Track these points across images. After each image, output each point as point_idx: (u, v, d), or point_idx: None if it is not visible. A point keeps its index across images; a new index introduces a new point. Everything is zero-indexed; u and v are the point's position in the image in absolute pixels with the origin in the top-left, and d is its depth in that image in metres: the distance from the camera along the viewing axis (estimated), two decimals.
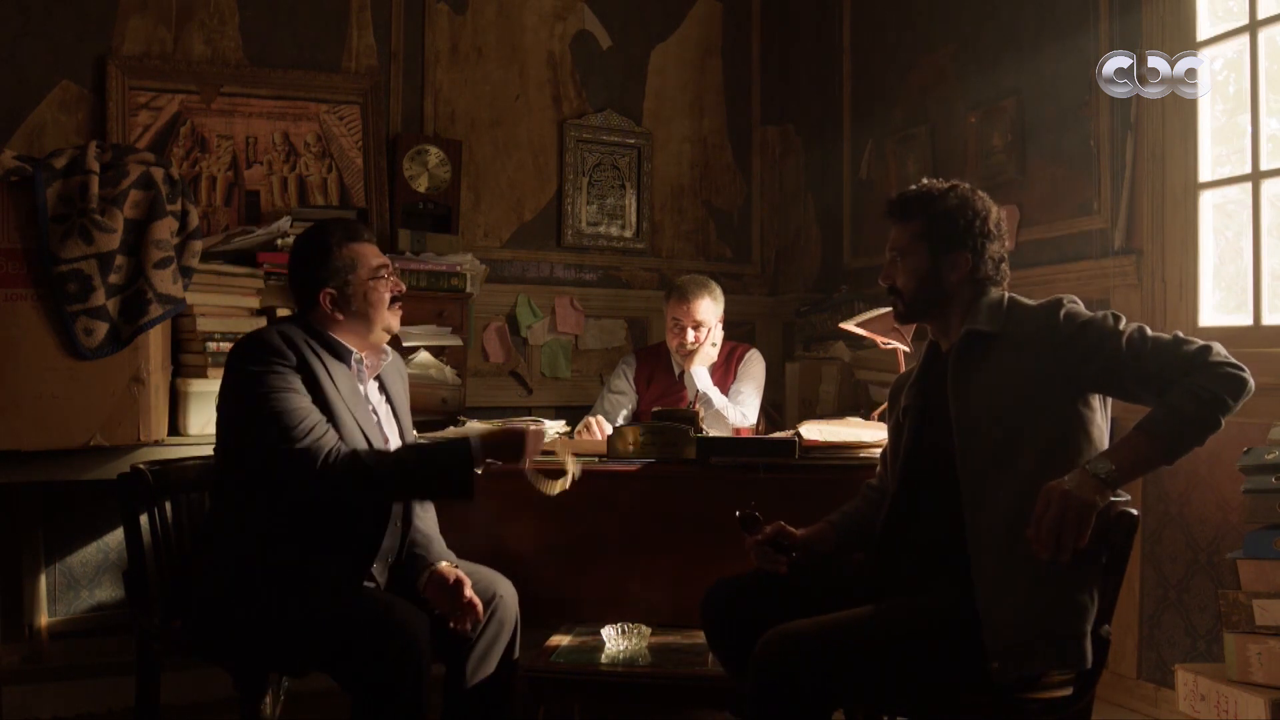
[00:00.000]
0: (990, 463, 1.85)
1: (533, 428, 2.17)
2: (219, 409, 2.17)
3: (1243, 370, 1.74)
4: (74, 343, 2.60)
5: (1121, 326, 1.82)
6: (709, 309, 3.23)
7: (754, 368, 3.34)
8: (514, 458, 2.12)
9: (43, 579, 3.12)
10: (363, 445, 2.12)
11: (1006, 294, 2.00)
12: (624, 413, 3.31)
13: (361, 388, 2.24)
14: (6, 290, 2.58)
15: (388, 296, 2.20)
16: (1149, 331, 1.81)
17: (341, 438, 2.08)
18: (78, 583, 3.16)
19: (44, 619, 3.11)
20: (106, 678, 3.01)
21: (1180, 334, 1.80)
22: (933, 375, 2.04)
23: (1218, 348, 1.75)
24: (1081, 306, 1.90)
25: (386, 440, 2.26)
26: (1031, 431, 1.84)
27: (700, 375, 3.19)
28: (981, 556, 1.82)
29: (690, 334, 3.20)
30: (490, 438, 2.12)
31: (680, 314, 3.22)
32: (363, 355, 2.24)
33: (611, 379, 3.42)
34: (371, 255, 2.20)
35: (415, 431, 2.47)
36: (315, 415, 2.05)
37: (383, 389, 2.33)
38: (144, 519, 2.23)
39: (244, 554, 2.06)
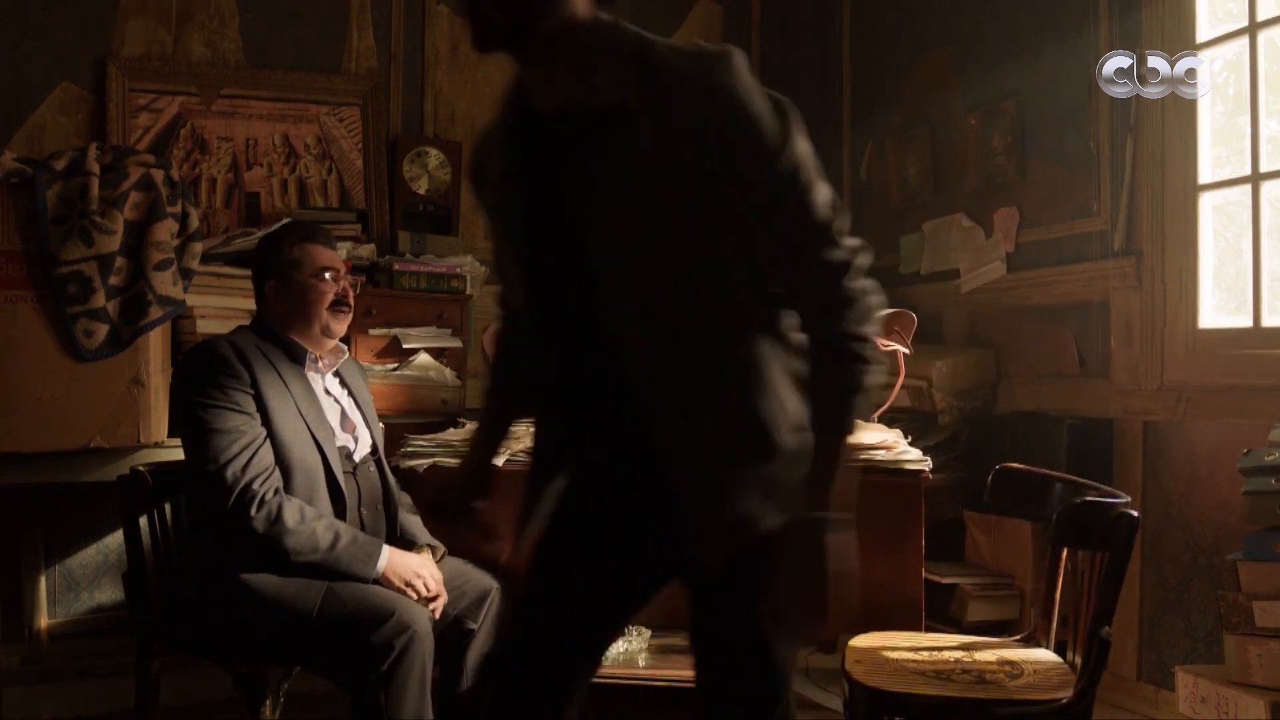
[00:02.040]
0: (642, 284, 1.31)
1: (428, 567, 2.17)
2: (178, 416, 2.21)
3: (869, 295, 1.32)
4: (74, 344, 2.60)
5: (785, 159, 1.29)
6: None
7: None
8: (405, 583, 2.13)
9: (42, 580, 3.11)
10: (310, 451, 2.14)
11: (632, 32, 1.32)
12: None
13: (321, 380, 2.29)
14: (7, 292, 2.58)
15: (329, 297, 2.24)
16: (810, 192, 1.29)
17: (285, 448, 2.10)
18: (77, 584, 3.16)
19: (44, 620, 3.10)
20: (106, 679, 3.01)
21: (830, 204, 1.31)
22: (534, 148, 1.37)
23: (855, 263, 1.30)
24: (744, 81, 1.29)
25: (354, 428, 2.31)
26: (696, 240, 1.30)
27: None
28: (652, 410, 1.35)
29: None
30: (396, 566, 2.12)
31: None
32: (318, 355, 2.29)
33: None
34: (320, 256, 2.26)
35: (381, 424, 2.51)
36: (248, 438, 2.06)
37: (344, 384, 2.38)
38: (143, 521, 2.24)
39: (225, 551, 2.07)
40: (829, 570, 1.30)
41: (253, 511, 2.00)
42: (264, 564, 2.04)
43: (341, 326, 2.29)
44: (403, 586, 2.09)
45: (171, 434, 2.82)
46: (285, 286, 2.24)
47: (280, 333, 2.25)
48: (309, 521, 2.05)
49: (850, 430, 1.34)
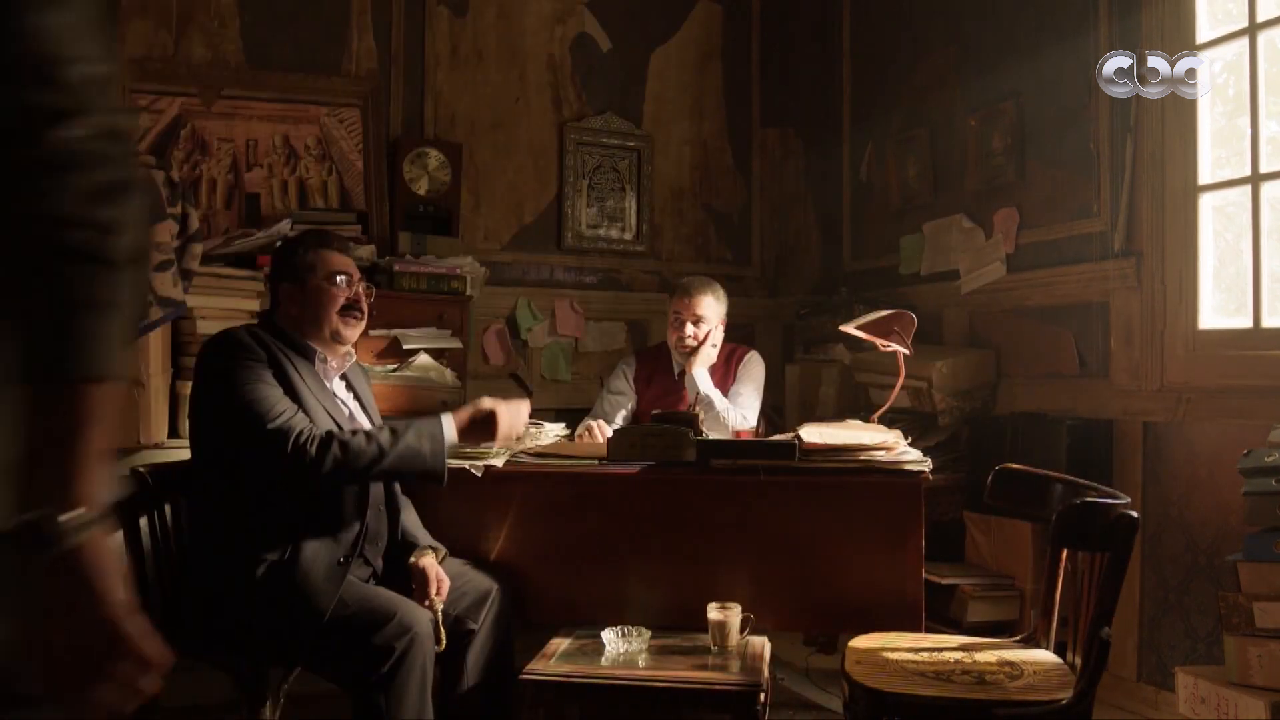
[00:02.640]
0: None
1: (502, 408, 2.25)
2: (191, 410, 2.21)
3: (109, 161, 0.82)
4: None
5: None
6: (711, 306, 3.23)
7: (754, 369, 3.34)
8: (489, 437, 2.24)
9: None
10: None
11: None
12: (623, 413, 3.31)
13: (328, 385, 2.30)
14: None
15: (340, 300, 2.25)
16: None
17: (314, 424, 2.12)
18: None
19: None
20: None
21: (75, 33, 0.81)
22: None
23: (93, 116, 0.81)
24: None
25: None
26: None
27: (701, 377, 3.19)
28: None
29: (689, 328, 3.20)
30: (464, 421, 2.22)
31: (681, 307, 3.23)
32: (326, 355, 2.29)
33: (611, 379, 3.43)
34: (334, 261, 2.28)
35: None
36: (286, 403, 2.09)
37: (350, 387, 2.39)
38: (144, 522, 2.23)
39: (232, 553, 2.07)
40: (89, 604, 0.82)
41: (313, 451, 2.03)
42: (280, 549, 2.06)
43: (352, 333, 2.29)
44: (504, 436, 2.23)
45: (173, 435, 2.83)
46: (298, 289, 2.26)
47: (292, 334, 2.26)
48: (360, 434, 2.10)
49: (100, 368, 0.81)
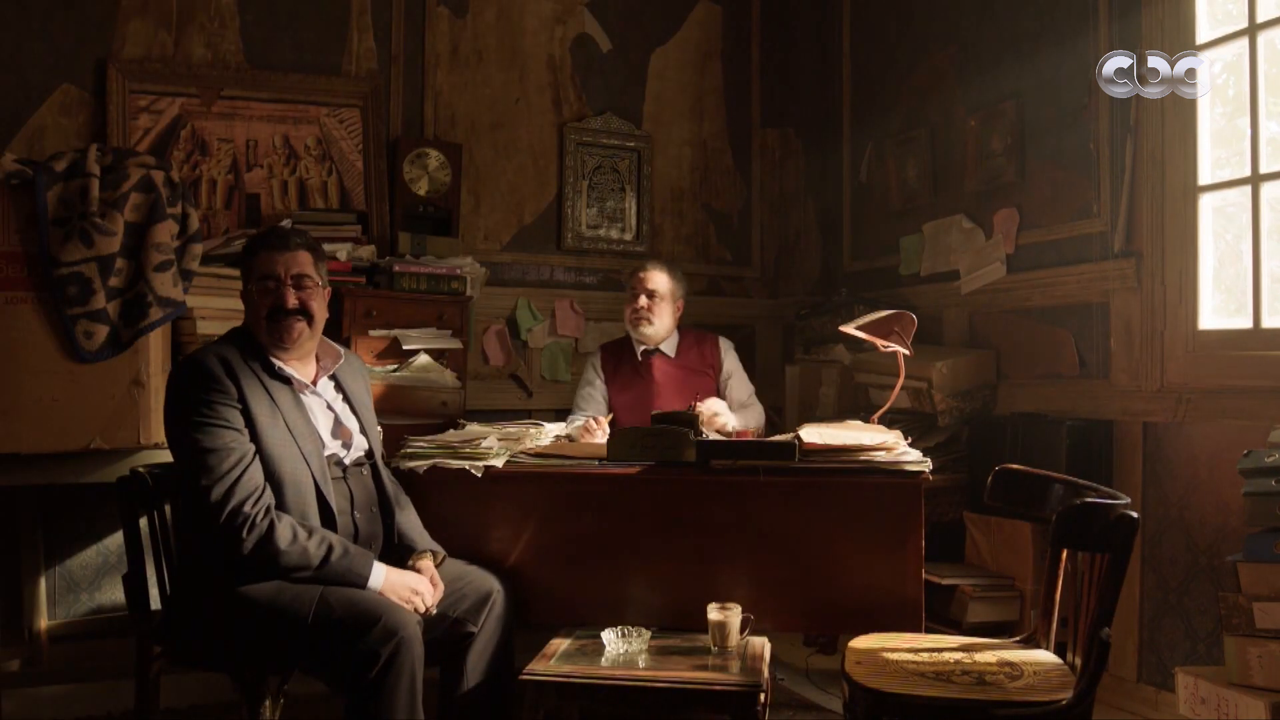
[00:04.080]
0: None
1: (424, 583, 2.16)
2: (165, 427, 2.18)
3: None
4: (74, 346, 2.60)
5: None
6: (663, 281, 3.34)
7: (732, 354, 3.47)
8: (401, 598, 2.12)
9: (42, 582, 3.12)
10: (300, 464, 2.12)
11: None
12: (595, 401, 3.40)
13: (309, 393, 2.25)
14: (7, 293, 2.58)
15: (264, 306, 2.17)
16: None
17: (275, 462, 2.08)
18: (77, 586, 3.16)
19: (43, 622, 3.10)
20: (106, 681, 3.00)
21: None
22: None
23: None
24: None
25: (349, 435, 2.28)
26: None
27: (727, 416, 3.19)
28: None
29: (642, 299, 3.31)
30: (392, 582, 2.11)
31: (635, 281, 3.36)
32: (285, 363, 2.21)
33: (585, 374, 3.51)
34: (264, 263, 2.18)
35: (380, 428, 2.49)
36: (239, 454, 2.04)
37: (340, 388, 2.35)
38: (143, 522, 2.23)
39: (215, 557, 2.06)
40: None
41: (244, 535, 1.99)
42: (258, 571, 2.04)
43: (288, 338, 2.17)
44: (401, 604, 2.09)
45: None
46: (246, 298, 2.22)
47: (260, 345, 2.21)
48: (300, 540, 2.04)
49: None
